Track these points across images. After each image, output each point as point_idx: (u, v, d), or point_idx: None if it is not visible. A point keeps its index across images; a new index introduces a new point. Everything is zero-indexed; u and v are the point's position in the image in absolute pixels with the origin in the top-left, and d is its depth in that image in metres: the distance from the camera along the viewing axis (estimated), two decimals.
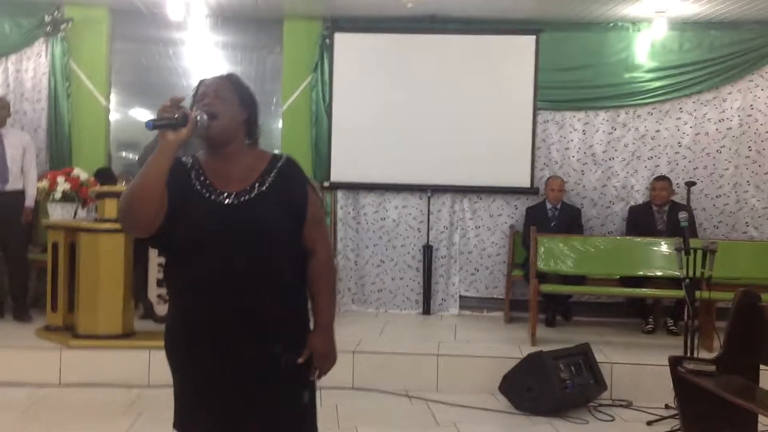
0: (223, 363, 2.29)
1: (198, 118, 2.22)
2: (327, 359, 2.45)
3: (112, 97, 8.02)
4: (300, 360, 2.38)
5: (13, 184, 6.51)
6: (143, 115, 8.33)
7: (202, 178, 2.32)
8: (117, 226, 5.61)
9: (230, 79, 2.41)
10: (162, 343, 2.40)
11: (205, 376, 2.32)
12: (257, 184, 2.33)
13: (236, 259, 2.24)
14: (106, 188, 6.01)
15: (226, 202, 2.29)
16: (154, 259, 5.76)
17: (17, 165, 6.56)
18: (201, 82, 2.41)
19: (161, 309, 5.77)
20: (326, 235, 2.50)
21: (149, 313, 5.82)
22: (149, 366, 5.45)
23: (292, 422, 2.39)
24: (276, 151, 2.46)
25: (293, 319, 2.40)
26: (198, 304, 2.28)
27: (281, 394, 2.37)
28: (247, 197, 2.30)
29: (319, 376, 2.46)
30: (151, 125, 2.11)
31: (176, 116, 2.14)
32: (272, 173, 2.36)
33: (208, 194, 2.30)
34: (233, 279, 2.25)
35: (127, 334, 5.69)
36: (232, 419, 2.32)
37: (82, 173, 6.26)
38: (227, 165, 2.34)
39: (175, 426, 2.45)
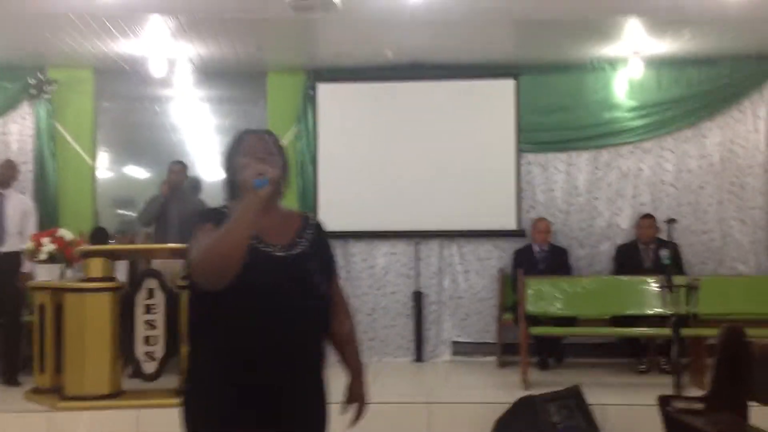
0: (263, 406, 2.32)
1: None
2: (365, 406, 2.60)
3: (100, 155, 8.06)
4: (345, 411, 2.56)
5: (9, 246, 6.52)
6: (136, 172, 8.40)
7: None
8: (104, 285, 5.64)
9: (274, 138, 2.50)
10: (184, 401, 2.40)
11: (242, 421, 2.31)
12: (298, 240, 2.43)
13: (287, 307, 2.32)
14: (92, 247, 6.02)
15: (278, 254, 2.36)
16: (141, 317, 5.73)
17: (15, 227, 6.61)
18: (246, 134, 2.48)
19: (149, 367, 5.73)
20: (344, 291, 2.66)
21: (137, 372, 5.77)
22: (137, 425, 5.40)
23: None
24: (301, 211, 2.60)
25: (324, 373, 2.49)
26: (247, 350, 2.29)
27: None
28: (293, 251, 2.39)
29: (354, 424, 2.60)
30: (260, 184, 2.19)
31: (272, 175, 2.24)
32: (309, 230, 2.48)
33: (259, 245, 2.34)
34: (291, 328, 2.32)
35: (116, 393, 5.65)
36: None
37: (67, 233, 6.26)
38: (270, 218, 2.40)
39: None
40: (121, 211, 8.26)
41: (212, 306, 2.33)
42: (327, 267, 2.50)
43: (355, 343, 2.62)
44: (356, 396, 2.59)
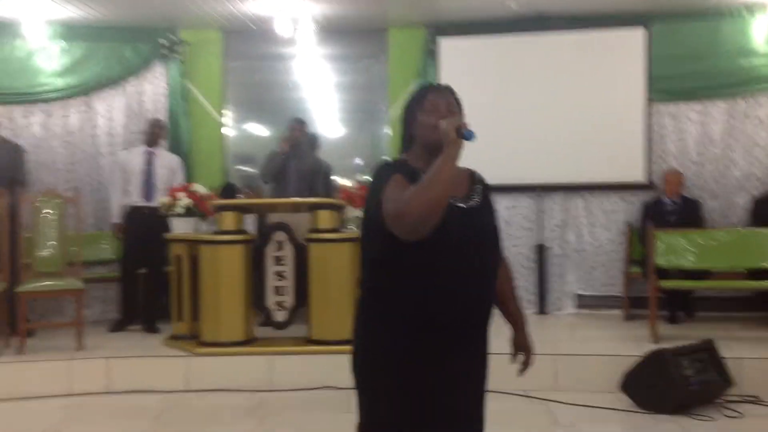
0: (463, 362, 2.38)
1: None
2: (533, 356, 2.66)
3: (227, 113, 8.32)
4: (513, 361, 2.66)
5: (159, 201, 6.78)
6: (257, 129, 8.62)
7: None
8: (236, 237, 5.85)
9: (453, 93, 2.51)
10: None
11: (431, 394, 2.33)
12: (472, 195, 2.44)
13: (474, 261, 2.32)
14: (225, 201, 6.24)
15: (459, 205, 2.36)
16: (271, 268, 5.92)
17: (164, 183, 6.97)
18: (427, 90, 2.49)
19: (280, 315, 5.93)
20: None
21: (268, 321, 5.98)
22: (271, 371, 5.62)
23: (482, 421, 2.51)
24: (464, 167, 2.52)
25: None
26: (438, 307, 2.30)
27: (482, 407, 2.51)
28: (472, 203, 2.41)
29: (525, 372, 2.66)
30: (472, 135, 2.23)
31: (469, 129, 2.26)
32: (477, 186, 2.49)
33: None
34: (477, 278, 2.34)
35: (249, 340, 5.90)
36: (462, 421, 2.39)
37: (201, 188, 6.50)
38: None
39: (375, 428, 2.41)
40: (243, 167, 8.49)
41: (400, 258, 2.29)
42: (497, 222, 2.50)
43: (515, 296, 2.65)
44: (523, 346, 2.64)
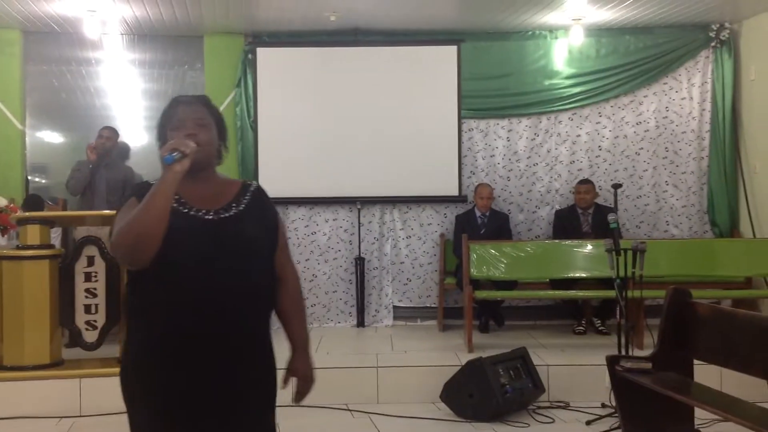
0: (203, 383, 2.24)
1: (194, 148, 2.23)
2: (310, 382, 2.51)
3: (27, 120, 7.77)
4: (283, 385, 2.46)
5: None
6: (57, 138, 8.12)
7: (177, 197, 2.26)
8: (42, 252, 5.46)
9: (206, 104, 2.41)
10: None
11: (181, 398, 2.24)
12: (233, 204, 2.35)
13: (221, 272, 2.23)
14: (29, 214, 5.81)
15: (207, 217, 2.28)
16: (81, 285, 5.58)
17: None
18: (177, 104, 2.38)
19: (90, 336, 5.59)
20: (293, 261, 2.55)
21: (77, 341, 5.63)
22: (80, 395, 5.29)
23: None
24: (242, 179, 2.50)
25: (268, 340, 2.40)
26: (181, 320, 2.21)
27: (258, 417, 2.37)
28: (226, 214, 2.32)
29: (301, 399, 2.51)
30: (171, 159, 2.15)
31: (188, 150, 2.19)
32: (246, 196, 2.40)
33: (186, 210, 2.28)
34: (219, 293, 2.22)
35: (56, 363, 5.51)
36: None
37: (1, 199, 6.04)
38: (202, 186, 2.35)
39: None
40: (36, 178, 7.96)
41: (142, 279, 2.25)
42: (270, 232, 2.40)
43: (302, 316, 2.52)
44: (298, 370, 2.49)
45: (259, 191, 2.45)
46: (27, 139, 7.77)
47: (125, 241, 2.12)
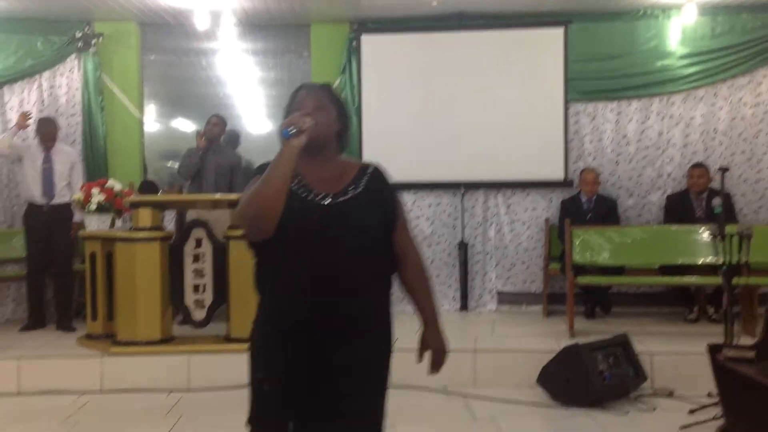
0: (319, 360, 2.34)
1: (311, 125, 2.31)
2: (443, 353, 2.57)
3: (146, 108, 8.14)
4: (418, 360, 2.56)
5: (60, 198, 6.73)
6: (179, 124, 8.46)
7: (298, 179, 2.37)
8: (152, 234, 5.72)
9: (328, 91, 2.50)
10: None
11: (299, 372, 2.35)
12: (351, 187, 2.42)
13: (337, 256, 2.32)
14: (140, 198, 6.10)
15: (325, 202, 2.37)
16: (190, 265, 5.82)
17: (64, 180, 6.79)
18: (301, 88, 2.49)
19: (198, 314, 5.82)
20: (413, 239, 2.58)
21: (187, 319, 5.88)
22: (189, 370, 5.52)
23: (377, 421, 2.47)
24: (363, 162, 2.55)
25: (385, 320, 2.49)
26: (299, 300, 2.32)
27: (374, 393, 2.46)
28: (343, 198, 2.39)
29: (436, 372, 2.57)
30: (287, 134, 2.24)
31: (304, 126, 2.26)
32: (364, 179, 2.46)
33: (305, 194, 2.37)
34: (335, 276, 2.31)
35: (166, 339, 5.77)
36: (323, 417, 2.36)
37: (116, 184, 6.35)
38: (322, 169, 2.43)
39: (250, 422, 2.50)
40: (169, 164, 8.32)
41: (263, 258, 2.39)
42: (388, 215, 2.46)
43: (428, 291, 2.57)
44: (430, 344, 2.56)
45: (377, 172, 2.50)
46: (146, 127, 8.13)
47: (247, 213, 2.22)
